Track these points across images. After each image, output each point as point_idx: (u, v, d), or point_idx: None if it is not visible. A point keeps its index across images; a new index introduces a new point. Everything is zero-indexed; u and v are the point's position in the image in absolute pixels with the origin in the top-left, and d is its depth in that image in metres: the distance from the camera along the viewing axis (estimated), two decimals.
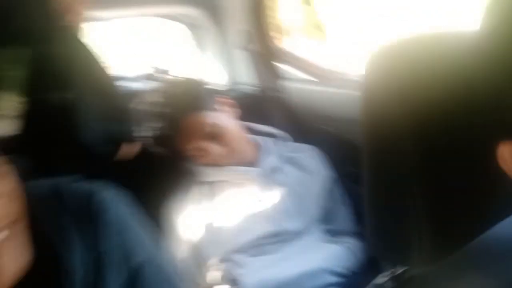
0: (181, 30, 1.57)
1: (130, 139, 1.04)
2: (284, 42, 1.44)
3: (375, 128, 0.43)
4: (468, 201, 0.39)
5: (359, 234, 1.06)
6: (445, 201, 0.39)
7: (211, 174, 1.08)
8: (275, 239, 1.03)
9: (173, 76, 1.40)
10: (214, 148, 1.07)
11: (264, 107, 1.31)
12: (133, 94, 1.20)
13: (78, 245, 0.60)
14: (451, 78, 0.36)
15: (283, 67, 1.38)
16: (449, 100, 0.36)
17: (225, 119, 1.09)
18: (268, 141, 1.15)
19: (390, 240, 0.45)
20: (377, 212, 0.46)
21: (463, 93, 0.34)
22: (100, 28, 1.38)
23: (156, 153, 1.13)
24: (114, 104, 0.92)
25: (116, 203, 0.66)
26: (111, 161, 0.94)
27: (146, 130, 1.12)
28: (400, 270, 0.48)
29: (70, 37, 0.87)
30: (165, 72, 1.40)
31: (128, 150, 1.00)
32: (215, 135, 1.07)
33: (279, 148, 1.14)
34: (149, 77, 1.41)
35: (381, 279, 0.50)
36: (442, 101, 0.36)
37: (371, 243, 0.48)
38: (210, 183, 1.08)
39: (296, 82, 1.36)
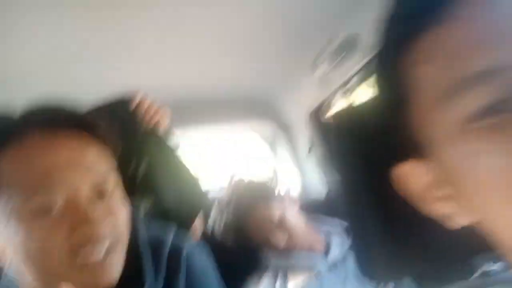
0: (256, 140, 1.76)
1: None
2: None
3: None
4: (401, 226, 0.48)
5: None
6: (390, 225, 0.50)
7: (278, 261, 1.16)
8: None
9: (248, 178, 1.51)
10: (281, 237, 1.18)
11: (331, 207, 1.38)
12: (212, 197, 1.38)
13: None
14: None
15: None
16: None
17: (292, 211, 1.22)
18: (334, 233, 1.22)
19: (368, 259, 0.55)
20: (356, 237, 0.57)
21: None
22: (182, 139, 1.49)
23: (226, 241, 1.24)
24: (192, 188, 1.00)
25: (201, 258, 0.77)
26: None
27: (220, 220, 1.28)
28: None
29: (160, 144, 0.94)
30: (241, 178, 1.51)
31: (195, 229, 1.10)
32: (282, 226, 1.19)
33: (343, 240, 1.20)
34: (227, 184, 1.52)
35: None
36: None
37: (357, 264, 0.58)
38: (277, 270, 1.15)
39: None
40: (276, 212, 1.21)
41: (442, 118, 0.33)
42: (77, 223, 0.54)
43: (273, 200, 1.24)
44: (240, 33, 1.02)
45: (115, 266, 0.59)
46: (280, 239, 1.20)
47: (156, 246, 0.72)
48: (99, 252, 0.56)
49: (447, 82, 0.32)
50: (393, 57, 0.36)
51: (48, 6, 0.82)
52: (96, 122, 0.63)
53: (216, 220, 1.27)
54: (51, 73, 1.06)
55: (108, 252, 0.57)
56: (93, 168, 0.59)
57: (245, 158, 2.01)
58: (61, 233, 0.54)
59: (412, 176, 0.40)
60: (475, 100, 0.30)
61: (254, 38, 1.04)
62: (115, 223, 0.60)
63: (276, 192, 1.27)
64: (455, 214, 0.38)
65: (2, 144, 0.56)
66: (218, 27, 0.99)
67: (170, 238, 0.75)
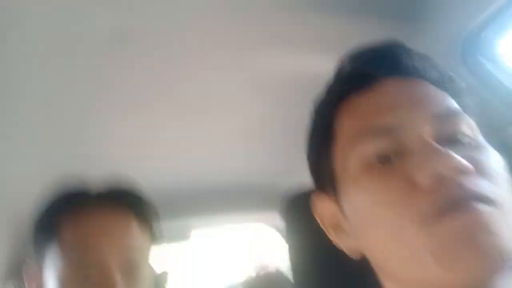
0: (269, 232, 1.74)
1: None
2: None
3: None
4: None
5: None
6: None
7: None
8: None
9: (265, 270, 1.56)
10: None
11: None
12: None
13: None
14: None
15: None
16: None
17: None
18: None
19: None
20: None
21: None
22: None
23: None
24: None
25: None
26: None
27: None
28: None
29: None
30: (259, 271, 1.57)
31: None
32: None
33: None
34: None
35: None
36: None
37: None
38: None
39: None
40: None
41: (350, 161, 0.42)
42: None
43: None
44: (256, 123, 1.06)
45: None
46: None
47: None
48: None
49: (356, 132, 0.42)
50: (329, 108, 0.47)
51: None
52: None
53: None
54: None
55: None
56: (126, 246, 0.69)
57: (259, 250, 1.97)
58: None
59: (322, 208, 0.48)
60: (372, 148, 0.40)
61: (269, 129, 1.08)
62: None
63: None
64: (351, 247, 0.46)
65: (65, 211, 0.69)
66: (232, 118, 1.03)
67: None
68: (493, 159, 0.40)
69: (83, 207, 0.70)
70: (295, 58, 0.86)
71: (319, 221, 0.49)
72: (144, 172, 0.88)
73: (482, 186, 0.36)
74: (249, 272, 1.47)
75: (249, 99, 0.94)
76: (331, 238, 0.48)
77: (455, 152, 0.36)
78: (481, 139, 0.42)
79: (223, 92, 0.91)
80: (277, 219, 1.49)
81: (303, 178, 0.78)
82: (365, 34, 0.55)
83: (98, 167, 0.83)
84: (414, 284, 0.39)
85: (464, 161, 0.36)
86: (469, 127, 0.41)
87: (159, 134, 1.02)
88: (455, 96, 0.45)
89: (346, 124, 0.45)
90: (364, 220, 0.41)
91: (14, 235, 0.96)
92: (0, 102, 0.82)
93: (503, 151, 0.68)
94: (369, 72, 0.45)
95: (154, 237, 0.77)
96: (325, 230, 0.48)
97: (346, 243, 0.46)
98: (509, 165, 0.42)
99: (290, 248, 0.61)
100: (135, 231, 0.71)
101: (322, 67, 0.51)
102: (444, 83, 0.45)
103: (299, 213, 0.61)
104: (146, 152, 1.07)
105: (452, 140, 0.40)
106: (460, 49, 0.75)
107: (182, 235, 1.42)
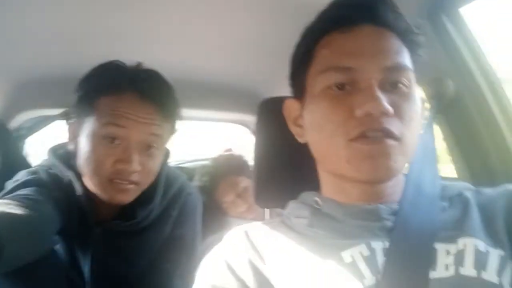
0: (244, 134, 1.81)
1: None
2: None
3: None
4: None
5: None
6: None
7: (233, 225, 1.38)
8: None
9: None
10: (241, 204, 1.40)
11: None
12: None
13: None
14: None
15: None
16: None
17: None
18: None
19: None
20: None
21: None
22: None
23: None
24: None
25: (195, 201, 1.08)
26: None
27: (197, 181, 1.50)
28: None
29: None
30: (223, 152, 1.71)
31: None
32: (245, 195, 1.41)
33: None
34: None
35: None
36: None
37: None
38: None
39: None
40: (242, 182, 1.42)
41: (317, 83, 0.59)
42: (120, 162, 0.84)
43: (244, 173, 1.44)
44: (247, 34, 1.12)
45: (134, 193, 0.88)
46: (239, 207, 1.41)
47: (169, 182, 1.00)
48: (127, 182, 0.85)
49: (326, 64, 0.58)
50: (312, 38, 0.62)
51: None
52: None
53: (196, 182, 1.49)
54: (61, 48, 1.16)
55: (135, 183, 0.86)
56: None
57: (231, 141, 2.14)
58: (110, 160, 0.83)
59: (291, 107, 0.67)
60: (333, 80, 0.57)
61: (264, 36, 1.13)
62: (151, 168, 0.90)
63: (250, 168, 1.46)
64: (301, 135, 0.65)
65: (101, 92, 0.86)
66: (226, 23, 1.08)
67: (181, 179, 1.04)
68: (414, 107, 0.57)
69: (118, 89, 0.85)
70: None
71: (285, 115, 0.69)
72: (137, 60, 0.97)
73: (394, 125, 0.53)
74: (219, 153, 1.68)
75: (246, 10, 1.01)
76: (290, 128, 0.68)
77: (388, 97, 0.54)
78: (413, 89, 0.58)
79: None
80: (252, 123, 1.65)
81: (279, 88, 0.91)
82: None
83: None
84: (334, 173, 0.60)
85: (388, 106, 0.53)
86: (407, 79, 0.57)
87: (154, 29, 1.10)
88: (412, 47, 0.59)
89: (322, 55, 0.60)
90: (313, 125, 0.61)
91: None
92: None
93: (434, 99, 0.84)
94: (349, 16, 0.58)
95: (174, 129, 0.95)
96: (287, 122, 0.68)
97: (299, 133, 0.67)
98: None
99: (257, 139, 0.77)
100: (157, 120, 0.88)
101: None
102: (407, 35, 0.59)
103: (270, 112, 0.76)
104: (140, 44, 1.15)
105: (393, 86, 0.56)
106: (427, 6, 0.88)
107: None
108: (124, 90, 0.85)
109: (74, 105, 0.90)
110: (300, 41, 0.65)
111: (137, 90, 0.86)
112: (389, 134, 0.53)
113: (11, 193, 0.80)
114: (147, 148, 0.87)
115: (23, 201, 0.73)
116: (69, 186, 0.90)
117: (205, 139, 2.41)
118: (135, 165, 0.84)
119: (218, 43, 1.20)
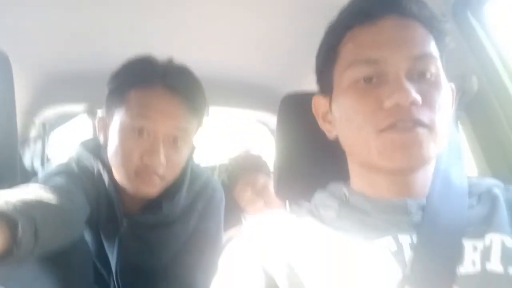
0: (262, 134, 1.83)
1: None
2: None
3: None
4: None
5: None
6: None
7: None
8: None
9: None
10: (258, 202, 1.43)
11: None
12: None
13: None
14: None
15: None
16: None
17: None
18: None
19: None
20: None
21: None
22: None
23: None
24: None
25: (219, 195, 1.09)
26: None
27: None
28: None
29: None
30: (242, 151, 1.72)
31: None
32: (262, 193, 1.44)
33: None
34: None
35: None
36: None
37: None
38: None
39: None
40: (260, 180, 1.45)
41: (344, 78, 0.60)
42: (147, 155, 0.86)
43: (262, 171, 1.47)
44: (270, 32, 1.13)
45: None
46: (257, 204, 1.43)
47: (195, 176, 1.02)
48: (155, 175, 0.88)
49: (352, 58, 0.59)
50: (337, 32, 0.62)
51: None
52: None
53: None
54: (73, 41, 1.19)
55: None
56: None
57: (249, 140, 2.16)
58: (137, 153, 0.86)
59: (319, 104, 0.68)
60: (360, 73, 0.57)
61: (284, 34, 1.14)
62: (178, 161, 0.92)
63: (268, 167, 1.48)
64: (331, 130, 0.66)
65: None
66: (249, 22, 1.09)
67: (206, 174, 1.07)
68: (443, 95, 0.56)
69: (149, 82, 0.88)
70: None
71: (314, 112, 0.69)
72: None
73: (424, 114, 0.53)
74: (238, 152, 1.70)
75: (264, 9, 1.02)
76: (320, 125, 0.68)
77: (416, 86, 0.54)
78: (441, 78, 0.58)
79: None
80: (272, 121, 1.65)
81: (300, 86, 0.92)
82: None
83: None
84: (365, 165, 0.60)
85: (416, 96, 0.53)
86: (435, 68, 0.56)
87: (175, 28, 1.12)
88: (438, 36, 0.59)
89: (347, 50, 0.60)
90: (342, 118, 0.61)
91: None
92: None
93: (458, 95, 0.84)
94: (373, 9, 0.58)
95: (201, 123, 0.97)
96: (317, 118, 0.69)
97: (328, 128, 0.67)
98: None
99: (278, 131, 0.78)
100: (185, 115, 0.90)
101: None
102: (432, 24, 0.59)
103: (292, 106, 0.77)
104: (161, 42, 1.16)
105: (421, 75, 0.56)
106: (452, 2, 0.88)
107: None
108: (155, 84, 0.88)
109: (105, 98, 0.92)
110: (324, 38, 0.66)
111: (167, 84, 0.88)
112: (420, 123, 0.53)
113: (45, 182, 0.83)
114: (173, 142, 0.89)
115: (57, 189, 0.76)
116: (98, 178, 0.92)
117: (223, 140, 2.42)
118: (162, 158, 0.86)
119: (237, 42, 1.21)
